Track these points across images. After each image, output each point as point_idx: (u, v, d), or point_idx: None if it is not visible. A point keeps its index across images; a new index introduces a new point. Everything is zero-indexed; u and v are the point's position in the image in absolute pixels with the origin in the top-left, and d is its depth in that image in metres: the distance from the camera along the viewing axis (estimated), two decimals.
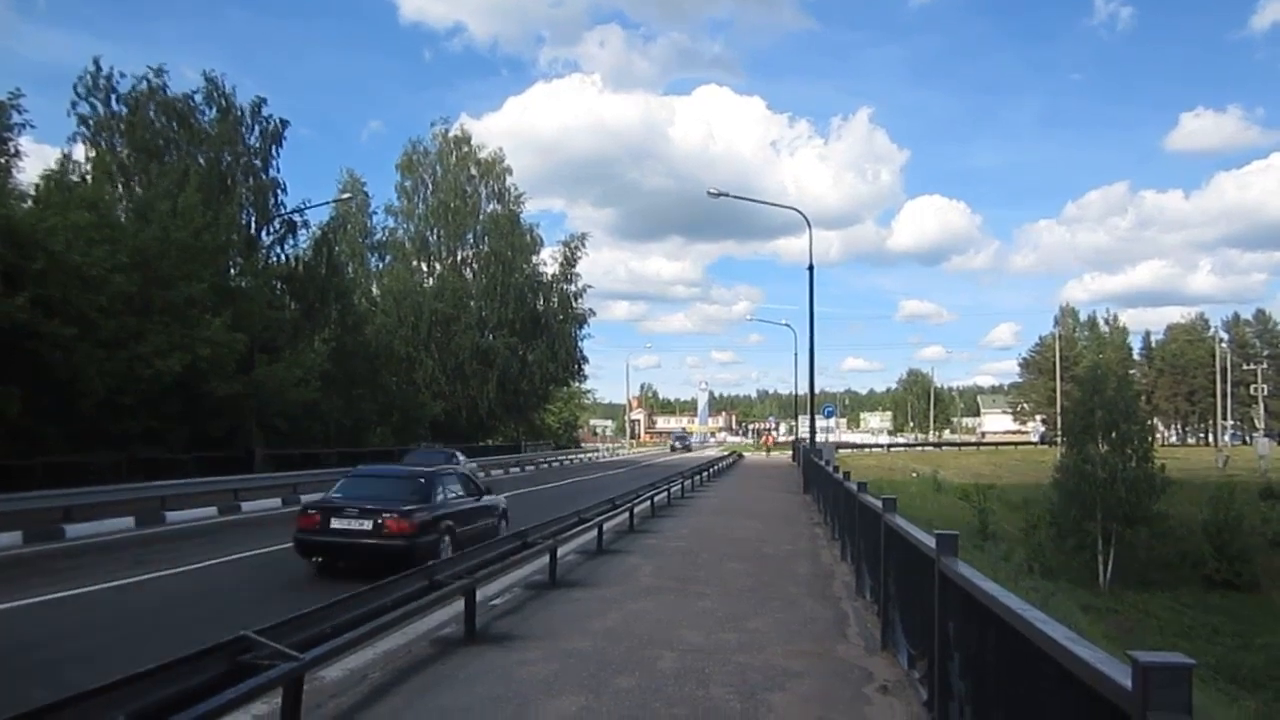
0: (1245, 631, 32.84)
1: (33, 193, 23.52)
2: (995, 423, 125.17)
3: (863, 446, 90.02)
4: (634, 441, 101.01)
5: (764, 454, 71.95)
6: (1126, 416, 44.85)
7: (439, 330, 45.42)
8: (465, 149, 50.36)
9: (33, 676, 6.80)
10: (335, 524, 10.86)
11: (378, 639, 6.33)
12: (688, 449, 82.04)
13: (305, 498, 17.88)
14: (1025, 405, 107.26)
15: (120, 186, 29.18)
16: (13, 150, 23.07)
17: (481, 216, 50.05)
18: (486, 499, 13.47)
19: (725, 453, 62.87)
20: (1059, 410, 73.74)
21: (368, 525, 10.74)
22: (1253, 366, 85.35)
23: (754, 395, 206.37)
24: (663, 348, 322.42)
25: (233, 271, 29.66)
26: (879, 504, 7.03)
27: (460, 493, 12.64)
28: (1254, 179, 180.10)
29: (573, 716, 5.36)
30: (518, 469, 39.98)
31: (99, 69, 29.53)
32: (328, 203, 41.67)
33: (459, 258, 50.46)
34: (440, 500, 11.85)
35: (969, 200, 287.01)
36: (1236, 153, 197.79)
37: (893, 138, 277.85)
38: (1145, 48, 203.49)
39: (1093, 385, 47.64)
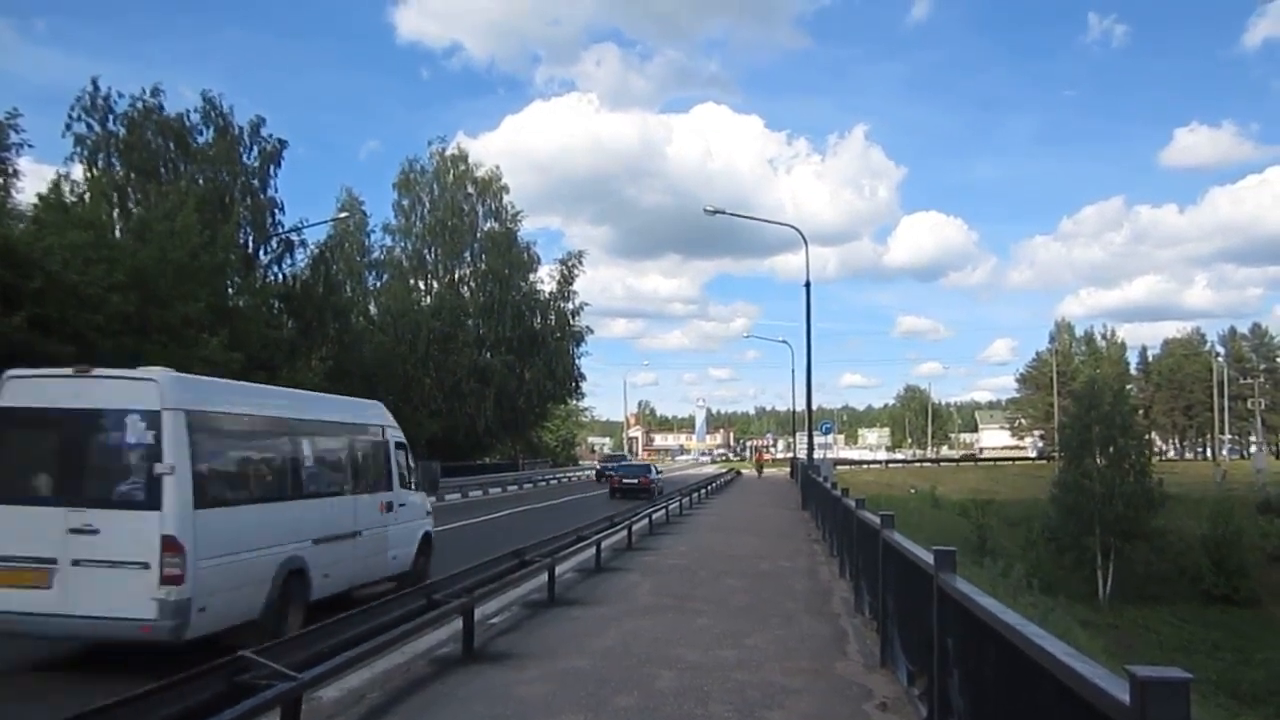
0: (1245, 646, 32.78)
1: (30, 212, 23.53)
2: (993, 438, 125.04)
3: (860, 463, 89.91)
4: (632, 458, 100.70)
5: (756, 473, 64.38)
6: (1124, 431, 44.93)
7: (436, 348, 45.35)
8: (462, 167, 50.48)
9: (31, 697, 6.77)
10: (624, 480, 35.42)
11: (376, 658, 6.32)
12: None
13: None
14: (1023, 421, 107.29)
15: (117, 207, 29.24)
16: (11, 170, 23.13)
17: (479, 235, 50.12)
18: (663, 474, 42.16)
19: (722, 469, 62.53)
20: (1056, 426, 73.80)
21: (635, 481, 35.05)
22: (1249, 381, 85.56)
23: (752, 412, 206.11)
24: (660, 365, 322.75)
25: (230, 290, 29.65)
26: (877, 520, 7.02)
27: (659, 471, 42.05)
28: (1248, 194, 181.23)
29: None
30: (515, 487, 39.81)
31: (97, 89, 29.65)
32: (325, 221, 41.88)
33: (456, 276, 50.48)
34: (653, 473, 37.91)
35: (966, 216, 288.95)
36: (1231, 168, 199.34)
37: (889, 154, 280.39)
38: (1140, 62, 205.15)
39: (1089, 400, 47.76)
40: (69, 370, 7.84)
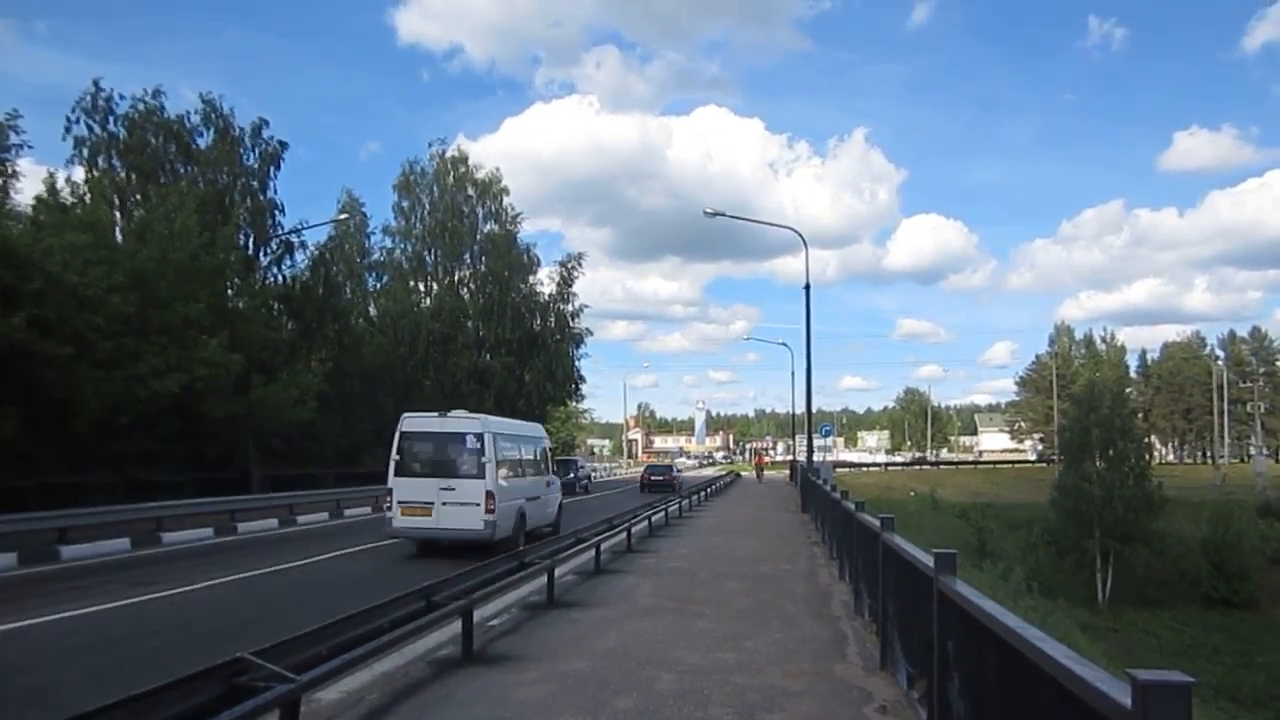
0: (1246, 650, 32.79)
1: (30, 213, 23.50)
2: (992, 441, 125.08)
3: (860, 465, 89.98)
4: (631, 461, 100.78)
5: (756, 476, 60.93)
6: (1123, 434, 44.98)
7: (436, 350, 45.29)
8: (462, 169, 50.37)
9: (28, 700, 6.76)
10: (653, 477, 42.38)
11: (375, 660, 6.30)
12: (582, 486, 40.08)
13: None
14: (1022, 424, 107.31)
15: (117, 208, 29.20)
16: (10, 171, 23.07)
17: (479, 236, 50.01)
18: (682, 473, 50.39)
19: (721, 472, 62.40)
20: (1056, 429, 73.80)
21: (663, 478, 41.95)
22: (1249, 384, 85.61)
23: (751, 414, 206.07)
24: (660, 367, 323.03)
25: (230, 292, 29.57)
26: (877, 523, 7.00)
27: (680, 469, 53.14)
28: (1248, 197, 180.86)
29: None
30: None
31: (98, 90, 29.56)
32: (325, 223, 41.83)
33: (456, 278, 50.34)
34: (675, 470, 48.61)
35: (966, 219, 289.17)
36: (1231, 171, 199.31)
37: (889, 157, 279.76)
38: (1139, 65, 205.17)
39: (1088, 403, 47.79)
40: (436, 413, 15.80)
